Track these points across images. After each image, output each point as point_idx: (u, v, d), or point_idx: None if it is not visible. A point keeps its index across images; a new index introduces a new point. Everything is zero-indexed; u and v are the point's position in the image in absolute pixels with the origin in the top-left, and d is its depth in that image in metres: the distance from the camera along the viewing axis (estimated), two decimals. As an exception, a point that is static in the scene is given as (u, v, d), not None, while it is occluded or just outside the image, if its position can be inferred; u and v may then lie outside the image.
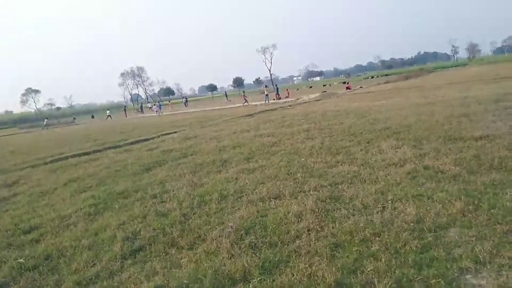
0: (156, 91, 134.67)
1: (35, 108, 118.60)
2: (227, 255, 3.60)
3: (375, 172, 5.63)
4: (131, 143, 14.73)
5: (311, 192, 5.08)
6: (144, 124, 26.63)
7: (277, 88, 42.31)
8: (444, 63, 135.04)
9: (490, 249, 3.05)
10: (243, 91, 40.98)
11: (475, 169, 5.09)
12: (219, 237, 4.04)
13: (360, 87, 41.22)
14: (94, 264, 3.89)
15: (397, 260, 3.09)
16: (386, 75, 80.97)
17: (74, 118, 58.10)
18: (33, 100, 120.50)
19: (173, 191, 6.07)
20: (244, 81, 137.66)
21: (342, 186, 5.21)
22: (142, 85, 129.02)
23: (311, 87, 79.00)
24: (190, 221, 4.66)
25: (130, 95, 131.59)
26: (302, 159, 7.23)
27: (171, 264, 3.65)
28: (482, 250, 3.04)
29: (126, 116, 51.41)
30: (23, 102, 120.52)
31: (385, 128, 9.46)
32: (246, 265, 3.32)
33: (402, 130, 8.80)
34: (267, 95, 35.94)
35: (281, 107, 25.28)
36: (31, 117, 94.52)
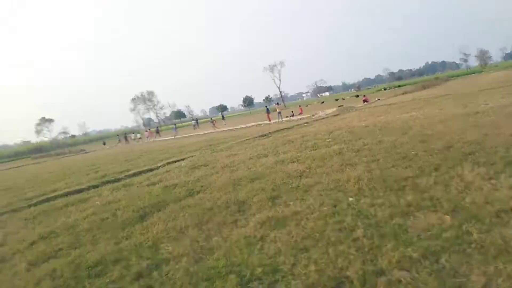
0: (167, 114, 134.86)
1: (50, 137, 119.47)
2: None
3: (493, 228, 3.49)
4: (133, 175, 12.85)
5: (397, 274, 2.97)
6: (153, 149, 24.88)
7: (267, 109, 39.79)
8: (454, 72, 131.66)
9: None
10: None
11: None
12: None
13: (378, 99, 38.99)
14: None
15: None
16: (399, 86, 78.67)
17: (82, 150, 57.00)
18: (47, 130, 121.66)
19: (168, 265, 4.02)
20: (254, 100, 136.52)
21: (446, 257, 3.09)
22: (153, 109, 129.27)
23: (323, 102, 77.06)
24: None
25: (142, 119, 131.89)
26: (352, 200, 5.14)
27: None
28: None
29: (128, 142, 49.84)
30: (38, 132, 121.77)
31: (446, 148, 7.30)
32: None
33: (475, 150, 6.64)
34: (279, 112, 34.04)
35: (297, 125, 23.27)
36: (46, 147, 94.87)
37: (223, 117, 57.97)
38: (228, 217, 5.45)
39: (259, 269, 3.43)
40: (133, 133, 54.31)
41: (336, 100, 69.94)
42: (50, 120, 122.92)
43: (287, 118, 33.50)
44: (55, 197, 10.72)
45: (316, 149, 10.55)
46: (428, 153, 7.13)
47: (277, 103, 44.93)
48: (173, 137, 40.59)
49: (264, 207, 5.63)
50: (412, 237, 3.64)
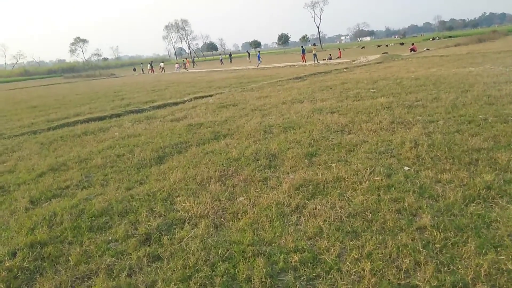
0: (199, 46, 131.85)
1: (83, 58, 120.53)
2: None
3: None
4: (158, 107, 12.19)
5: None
6: (181, 81, 24.04)
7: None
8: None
9: None
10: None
11: None
12: None
13: (427, 49, 35.65)
14: None
15: None
16: (450, 37, 71.93)
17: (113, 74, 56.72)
18: (81, 50, 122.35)
19: (182, 229, 3.31)
20: (290, 38, 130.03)
21: None
22: (185, 39, 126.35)
23: (363, 47, 72.17)
24: None
25: (174, 49, 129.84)
26: (409, 171, 4.18)
27: None
28: None
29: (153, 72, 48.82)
30: (72, 52, 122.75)
31: (526, 115, 6.03)
32: None
33: None
34: (315, 54, 31.79)
35: (335, 69, 21.53)
36: (78, 67, 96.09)
37: (249, 55, 55.51)
38: (257, 172, 4.65)
39: (295, 256, 2.65)
40: (162, 62, 53.18)
41: (378, 46, 64.87)
42: (84, 41, 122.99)
43: (324, 61, 31.38)
44: (76, 122, 10.29)
45: (359, 100, 9.37)
46: (502, 120, 5.90)
47: (314, 44, 42.07)
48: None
49: (299, 165, 4.78)
50: (502, 237, 2.72)
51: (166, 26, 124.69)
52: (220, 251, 2.81)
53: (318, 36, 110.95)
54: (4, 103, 19.34)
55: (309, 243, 2.86)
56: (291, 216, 3.34)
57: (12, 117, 13.11)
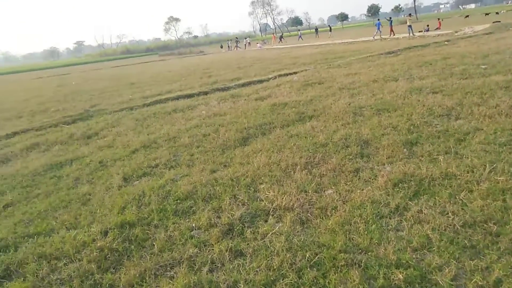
0: (284, 21, 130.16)
1: (176, 36, 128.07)
2: None
3: None
4: (243, 85, 12.19)
5: None
6: (266, 58, 23.89)
7: (391, 21, 32.19)
8: None
9: None
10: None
11: None
12: None
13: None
14: None
15: None
16: None
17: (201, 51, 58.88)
18: (174, 29, 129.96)
19: (267, 222, 3.09)
20: (381, 9, 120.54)
21: None
22: (270, 14, 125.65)
23: (467, 16, 63.61)
24: None
25: (259, 25, 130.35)
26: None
27: None
28: None
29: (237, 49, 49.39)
30: (166, 30, 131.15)
31: None
32: None
33: None
34: (410, 26, 28.74)
35: (434, 42, 19.22)
36: (171, 45, 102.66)
37: (330, 29, 52.59)
38: (347, 161, 4.21)
39: (398, 273, 2.22)
40: (248, 37, 53.57)
41: (486, 14, 56.38)
42: (177, 19, 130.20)
43: (420, 33, 28.35)
44: (167, 99, 10.78)
45: (466, 78, 8.09)
46: None
47: (409, 14, 38.17)
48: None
49: (397, 155, 4.20)
50: None
51: (252, 2, 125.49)
52: (307, 255, 2.51)
53: (414, 5, 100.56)
54: (108, 80, 21.34)
55: (415, 256, 2.40)
56: (390, 219, 2.89)
57: (114, 93, 14.36)
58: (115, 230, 3.18)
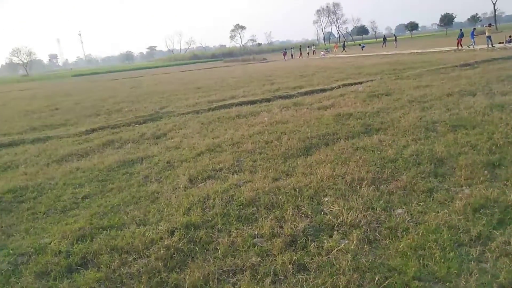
0: (349, 30, 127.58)
1: (240, 43, 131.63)
2: None
3: None
4: (305, 93, 12.10)
5: None
6: (329, 66, 23.54)
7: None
8: None
9: None
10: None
11: None
12: None
13: None
14: None
15: None
16: None
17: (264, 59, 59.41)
18: (239, 36, 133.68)
19: (331, 238, 2.98)
20: (455, 19, 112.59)
21: None
22: (335, 23, 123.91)
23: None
24: None
25: (323, 33, 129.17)
26: None
27: None
28: None
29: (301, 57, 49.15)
30: (231, 37, 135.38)
31: None
32: None
33: None
34: (489, 37, 26.40)
35: (520, 54, 17.50)
36: (235, 52, 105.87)
37: (395, 39, 49.91)
38: (419, 180, 3.94)
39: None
40: (313, 46, 53.18)
41: None
42: (242, 27, 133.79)
43: (501, 45, 26.01)
44: (231, 105, 11.04)
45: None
46: None
47: (489, 24, 35.21)
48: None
49: (477, 177, 3.84)
50: None
51: (317, 11, 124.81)
52: (376, 278, 2.37)
53: (494, 14, 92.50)
54: (177, 84, 22.49)
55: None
56: (471, 248, 2.63)
57: (181, 96, 15.07)
58: (181, 230, 3.29)
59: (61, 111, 13.89)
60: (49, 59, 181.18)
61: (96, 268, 2.89)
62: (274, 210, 3.57)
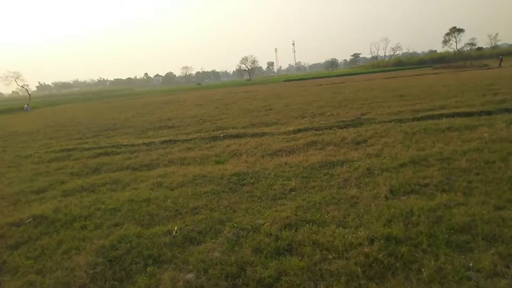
0: None
1: (455, 48, 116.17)
2: None
3: None
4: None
5: None
6: None
7: None
8: None
9: None
10: None
11: None
12: None
13: None
14: None
15: None
16: None
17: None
18: (454, 40, 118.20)
19: None
20: None
21: None
22: None
23: None
24: None
25: None
26: None
27: None
28: None
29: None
30: (445, 42, 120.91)
31: None
32: None
33: None
34: None
35: None
36: (448, 58, 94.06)
37: None
38: None
39: None
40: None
41: None
42: (460, 30, 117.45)
43: None
44: (441, 116, 9.95)
45: None
46: None
47: None
48: None
49: None
50: None
51: None
52: None
53: None
54: (378, 90, 21.91)
55: None
56: None
57: (383, 103, 14.59)
58: (381, 240, 3.22)
59: (273, 111, 15.80)
60: (267, 66, 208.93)
61: (300, 257, 3.18)
62: (496, 244, 3.02)
